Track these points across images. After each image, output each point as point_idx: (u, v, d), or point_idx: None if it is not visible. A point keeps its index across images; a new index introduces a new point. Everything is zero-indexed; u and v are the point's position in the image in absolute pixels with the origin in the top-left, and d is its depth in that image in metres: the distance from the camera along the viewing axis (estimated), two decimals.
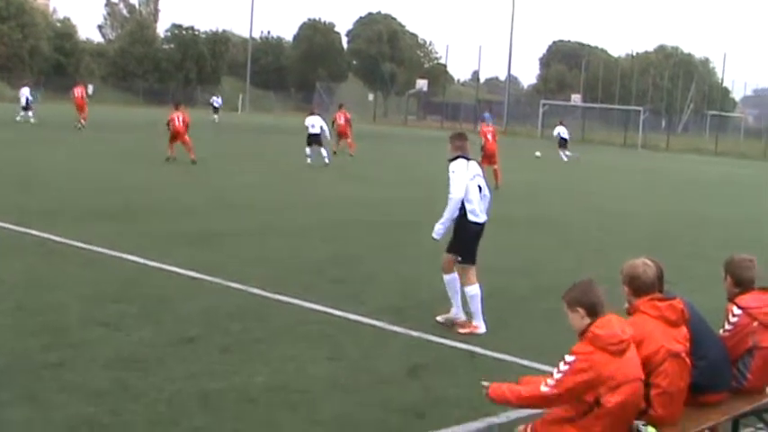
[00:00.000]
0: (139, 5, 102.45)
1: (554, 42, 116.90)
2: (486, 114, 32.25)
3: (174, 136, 25.67)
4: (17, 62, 79.00)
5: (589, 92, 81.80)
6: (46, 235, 12.10)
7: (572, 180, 28.95)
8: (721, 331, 5.57)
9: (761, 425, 5.92)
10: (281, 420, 5.93)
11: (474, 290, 8.44)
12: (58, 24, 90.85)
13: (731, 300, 5.68)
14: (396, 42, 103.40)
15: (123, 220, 13.98)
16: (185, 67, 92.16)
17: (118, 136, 36.38)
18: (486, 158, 22.99)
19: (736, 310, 5.58)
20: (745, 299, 5.61)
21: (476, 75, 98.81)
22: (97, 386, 6.26)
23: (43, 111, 46.68)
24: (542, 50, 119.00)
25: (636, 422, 4.65)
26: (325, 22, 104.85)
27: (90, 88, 61.21)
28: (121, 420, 5.71)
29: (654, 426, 4.67)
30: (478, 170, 8.68)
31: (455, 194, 8.36)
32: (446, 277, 8.61)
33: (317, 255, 12.06)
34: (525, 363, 7.39)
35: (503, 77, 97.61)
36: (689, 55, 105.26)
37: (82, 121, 38.89)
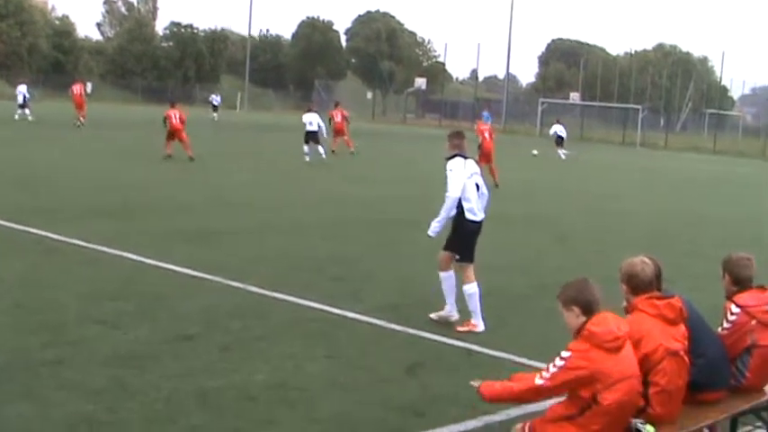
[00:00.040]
0: (138, 3, 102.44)
1: (553, 41, 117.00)
2: (485, 113, 32.40)
3: (172, 134, 25.67)
4: (16, 60, 78.97)
5: (588, 90, 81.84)
6: (44, 233, 12.09)
7: (570, 178, 28.96)
8: (720, 329, 5.58)
9: (759, 423, 5.92)
10: (280, 418, 5.93)
11: (472, 288, 8.44)
12: (57, 22, 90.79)
13: (729, 298, 5.68)
14: (394, 41, 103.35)
15: (121, 219, 13.97)
16: (184, 65, 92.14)
17: (116, 134, 36.38)
18: (484, 157, 22.97)
19: (735, 309, 5.58)
20: (744, 297, 5.61)
21: (474, 73, 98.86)
22: (95, 384, 6.26)
23: (42, 109, 46.64)
24: (541, 49, 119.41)
25: (634, 420, 4.65)
26: (323, 21, 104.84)
27: (89, 86, 61.17)
28: (119, 418, 5.71)
29: (652, 424, 4.68)
30: (476, 168, 8.69)
31: (452, 193, 8.37)
32: (442, 274, 8.62)
33: (316, 253, 12.06)
34: (524, 361, 7.39)
35: (501, 76, 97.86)
36: (687, 53, 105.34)
37: (81, 119, 38.86)
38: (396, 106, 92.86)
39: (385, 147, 40.83)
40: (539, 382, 4.54)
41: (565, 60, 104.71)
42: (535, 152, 39.23)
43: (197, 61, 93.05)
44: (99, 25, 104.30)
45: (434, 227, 8.52)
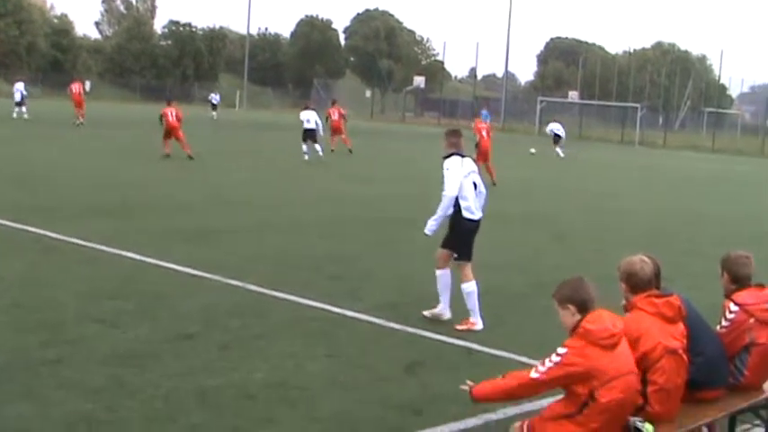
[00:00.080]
0: (136, 2, 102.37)
1: (551, 39, 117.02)
2: (484, 111, 32.33)
3: (168, 132, 25.65)
4: (14, 59, 78.95)
5: (586, 89, 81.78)
6: (43, 232, 12.09)
7: (568, 177, 28.96)
8: (718, 328, 5.59)
9: (758, 421, 5.93)
10: (279, 417, 5.94)
11: (470, 286, 8.45)
12: (55, 21, 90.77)
13: (728, 296, 5.69)
14: (393, 39, 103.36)
15: (120, 217, 13.97)
16: (183, 64, 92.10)
17: (115, 132, 36.36)
18: (482, 155, 22.95)
19: (733, 307, 5.59)
20: (742, 295, 5.62)
21: (473, 71, 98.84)
22: (94, 383, 6.27)
23: (40, 107, 46.62)
24: (540, 47, 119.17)
25: (633, 419, 4.65)
26: (322, 19, 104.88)
27: (87, 85, 61.13)
28: (118, 417, 5.72)
29: (651, 422, 4.68)
30: (473, 167, 8.69)
31: (448, 192, 8.37)
32: (438, 272, 8.63)
33: (315, 251, 12.07)
34: (523, 359, 7.39)
35: (500, 74, 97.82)
36: (686, 52, 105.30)
37: (80, 117, 38.81)
38: (394, 105, 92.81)
39: (383, 145, 40.82)
40: (534, 375, 4.57)
41: (563, 59, 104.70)
42: (533, 150, 39.22)
43: (195, 60, 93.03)
44: (97, 24, 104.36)
45: (431, 225, 8.54)
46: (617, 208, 20.28)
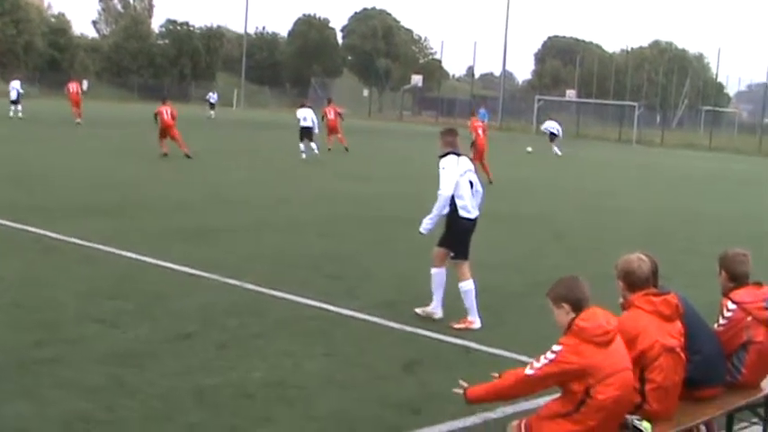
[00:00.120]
0: (134, 1, 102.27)
1: (549, 38, 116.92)
2: (482, 110, 32.26)
3: (164, 131, 25.65)
4: (11, 58, 78.88)
5: (584, 87, 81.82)
6: (42, 231, 12.09)
7: (566, 176, 28.97)
8: (716, 326, 5.60)
9: (755, 419, 5.94)
10: (277, 416, 5.94)
11: (468, 285, 8.46)
12: (53, 20, 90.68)
13: (725, 294, 5.70)
14: (391, 38, 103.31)
15: (119, 217, 13.97)
16: (180, 63, 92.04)
17: (112, 132, 36.32)
18: (478, 154, 22.93)
19: (731, 305, 5.60)
20: (740, 293, 5.63)
21: (471, 70, 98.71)
22: (92, 382, 6.27)
23: (37, 106, 46.56)
24: (537, 46, 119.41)
25: (630, 417, 4.66)
26: (319, 18, 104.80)
27: (85, 84, 61.02)
28: (116, 416, 5.72)
29: (649, 420, 4.69)
30: (470, 166, 8.69)
31: (444, 191, 8.38)
32: (433, 270, 8.63)
33: (313, 250, 12.08)
34: (521, 358, 7.38)
35: (498, 73, 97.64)
36: (683, 50, 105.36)
37: (78, 117, 38.73)
38: (392, 103, 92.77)
39: (381, 144, 40.82)
40: (528, 372, 4.58)
41: (561, 57, 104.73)
42: (529, 149, 39.23)
43: (193, 59, 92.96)
44: (95, 23, 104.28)
45: (426, 224, 8.54)
46: (614, 206, 20.29)
